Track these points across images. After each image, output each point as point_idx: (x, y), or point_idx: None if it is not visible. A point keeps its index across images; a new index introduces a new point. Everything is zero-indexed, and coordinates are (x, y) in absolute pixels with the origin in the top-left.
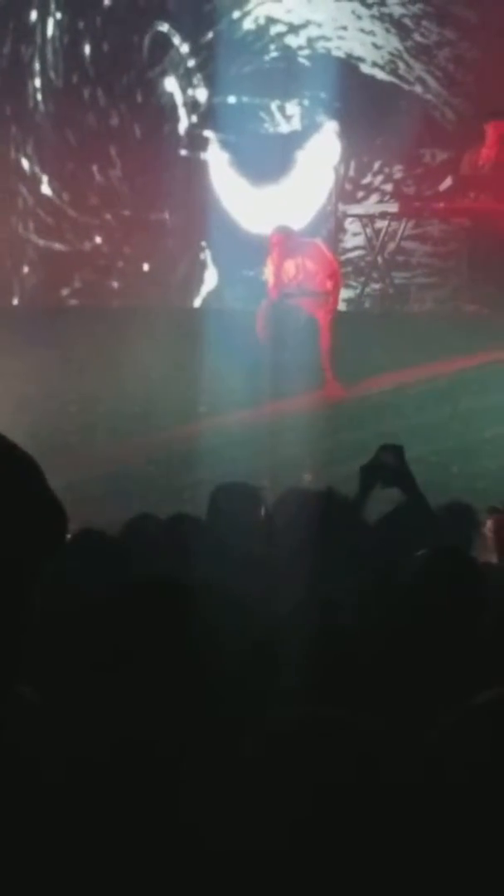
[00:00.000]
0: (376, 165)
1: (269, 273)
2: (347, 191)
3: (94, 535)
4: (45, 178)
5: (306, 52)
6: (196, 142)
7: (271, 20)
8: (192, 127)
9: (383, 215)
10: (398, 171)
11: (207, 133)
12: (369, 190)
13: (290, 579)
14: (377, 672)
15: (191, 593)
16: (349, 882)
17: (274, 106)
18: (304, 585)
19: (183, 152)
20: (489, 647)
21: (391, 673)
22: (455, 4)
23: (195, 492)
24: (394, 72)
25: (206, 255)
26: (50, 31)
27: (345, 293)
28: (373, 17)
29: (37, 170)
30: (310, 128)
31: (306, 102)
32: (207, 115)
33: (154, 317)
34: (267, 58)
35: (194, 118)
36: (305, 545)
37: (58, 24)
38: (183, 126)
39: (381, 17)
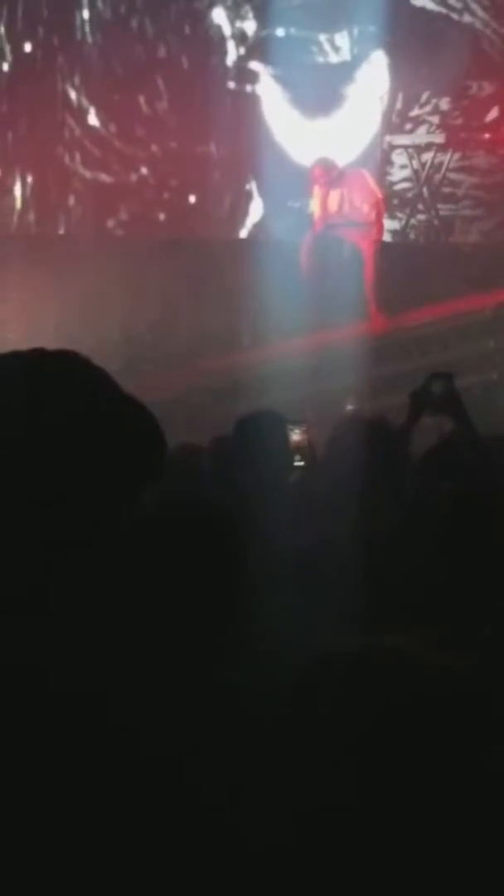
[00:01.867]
0: (424, 97)
1: (314, 204)
2: (395, 123)
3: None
4: (92, 110)
5: None
6: (244, 74)
7: None
8: (240, 59)
9: (430, 146)
10: (445, 103)
11: (255, 65)
12: (416, 122)
13: (330, 511)
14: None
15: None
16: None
17: (323, 38)
18: (344, 517)
19: (231, 85)
20: None
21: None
22: None
23: None
24: (443, 2)
25: (252, 187)
26: None
27: (390, 224)
28: None
29: (84, 101)
30: (359, 59)
31: (355, 34)
32: (256, 48)
33: (200, 248)
34: None
35: (242, 50)
36: (352, 477)
37: None
38: (231, 58)
39: None
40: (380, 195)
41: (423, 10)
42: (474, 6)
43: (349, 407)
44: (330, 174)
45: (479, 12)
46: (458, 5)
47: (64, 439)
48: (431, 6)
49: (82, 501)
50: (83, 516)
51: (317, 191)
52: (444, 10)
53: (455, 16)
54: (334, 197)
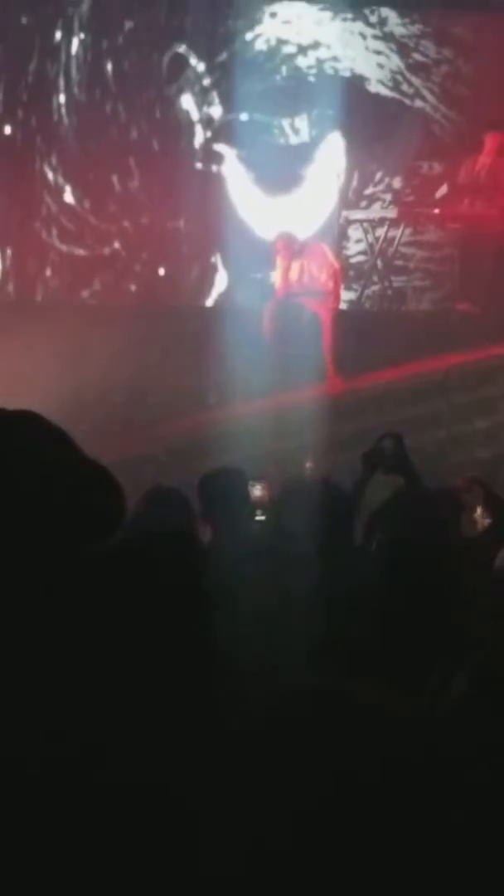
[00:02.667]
0: (378, 175)
1: (275, 275)
2: (351, 199)
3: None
4: (67, 188)
5: (314, 70)
6: (210, 155)
7: (282, 41)
8: (206, 141)
9: (383, 221)
10: (398, 181)
11: (221, 147)
12: (371, 198)
13: (291, 562)
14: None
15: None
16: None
17: (284, 121)
18: (303, 568)
19: (198, 165)
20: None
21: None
22: (452, 25)
23: None
24: (396, 88)
25: (218, 259)
26: (74, 49)
27: (347, 294)
28: (376, 36)
29: (60, 179)
30: (317, 140)
31: (314, 117)
32: (221, 131)
33: (168, 316)
34: (278, 77)
35: (209, 133)
36: (304, 531)
37: (82, 43)
38: (198, 140)
39: (384, 37)
40: (337, 266)
41: (377, 95)
42: (425, 92)
43: (308, 464)
44: (291, 247)
45: (430, 98)
46: (410, 91)
47: (19, 492)
48: (385, 92)
49: (35, 556)
50: (35, 571)
51: (279, 262)
52: (397, 96)
53: (407, 101)
54: (295, 268)
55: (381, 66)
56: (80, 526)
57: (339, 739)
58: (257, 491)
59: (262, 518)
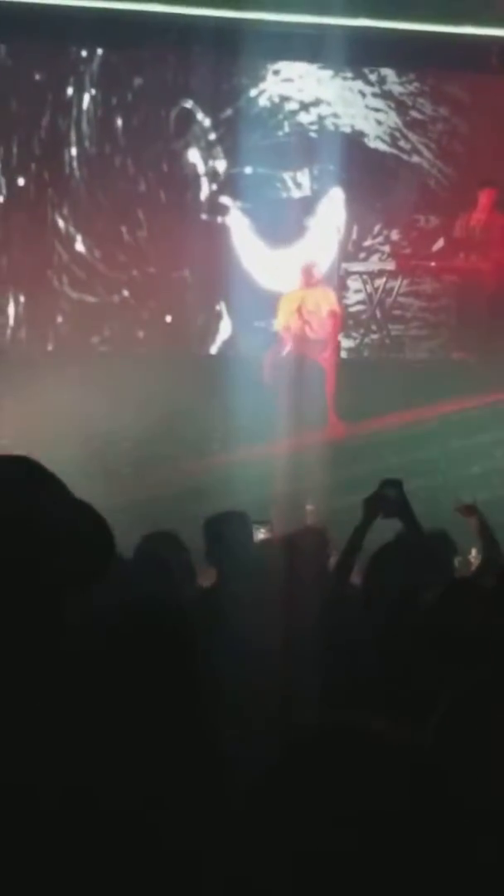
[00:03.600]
0: (376, 228)
1: (279, 316)
2: (350, 251)
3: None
4: (78, 237)
5: (316, 126)
6: (215, 208)
7: (284, 98)
8: (212, 194)
9: (382, 273)
10: (396, 234)
11: (226, 200)
12: (370, 251)
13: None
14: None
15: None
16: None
17: (286, 175)
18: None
19: (203, 217)
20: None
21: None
22: (448, 84)
23: None
24: (394, 144)
25: (222, 308)
26: (85, 104)
27: (346, 342)
28: (375, 94)
29: (71, 229)
30: (318, 194)
31: (315, 172)
32: (226, 184)
33: (174, 363)
34: (280, 132)
35: (214, 186)
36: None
37: (92, 98)
38: (204, 193)
39: (383, 95)
40: (339, 312)
41: (376, 151)
42: (422, 148)
43: (309, 507)
44: (314, 275)
45: (426, 153)
46: (408, 147)
47: (8, 536)
48: (384, 148)
49: (26, 598)
50: (25, 612)
51: (285, 297)
52: (395, 151)
53: (405, 156)
54: (298, 300)
55: (379, 122)
56: (70, 564)
57: (353, 773)
58: (261, 534)
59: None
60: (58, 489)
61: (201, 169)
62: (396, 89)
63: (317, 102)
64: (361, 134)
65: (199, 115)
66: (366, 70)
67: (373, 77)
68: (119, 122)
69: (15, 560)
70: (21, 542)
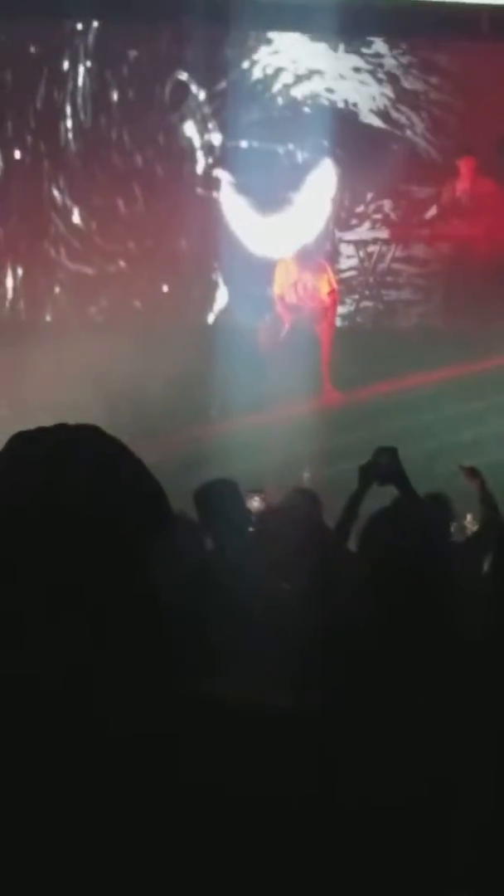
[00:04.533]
0: (369, 197)
1: (274, 291)
2: (343, 218)
3: None
4: (75, 210)
5: (309, 100)
6: (210, 180)
7: (278, 70)
8: (207, 167)
9: (375, 240)
10: (388, 203)
11: (221, 172)
12: (362, 218)
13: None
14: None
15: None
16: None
17: (280, 148)
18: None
19: (199, 189)
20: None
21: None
22: (439, 54)
23: None
24: (386, 115)
25: (218, 277)
26: (80, 78)
27: (340, 310)
28: (367, 67)
29: (68, 202)
30: (311, 165)
31: (308, 144)
32: (221, 157)
33: (171, 333)
34: (274, 105)
35: (210, 159)
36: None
37: (87, 71)
38: (200, 166)
39: (375, 67)
40: (335, 283)
41: (368, 122)
42: (414, 118)
43: (305, 474)
44: (296, 264)
45: (418, 124)
46: (400, 118)
47: (88, 499)
48: (376, 119)
49: (103, 561)
50: (102, 575)
51: (282, 265)
52: (386, 124)
53: (397, 130)
54: (294, 277)
55: (371, 94)
56: (142, 529)
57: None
58: (256, 502)
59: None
60: (128, 452)
61: (197, 142)
62: (388, 61)
63: (309, 75)
64: (354, 105)
65: (194, 88)
66: (358, 42)
67: (365, 49)
68: (114, 94)
69: (98, 516)
70: (97, 499)
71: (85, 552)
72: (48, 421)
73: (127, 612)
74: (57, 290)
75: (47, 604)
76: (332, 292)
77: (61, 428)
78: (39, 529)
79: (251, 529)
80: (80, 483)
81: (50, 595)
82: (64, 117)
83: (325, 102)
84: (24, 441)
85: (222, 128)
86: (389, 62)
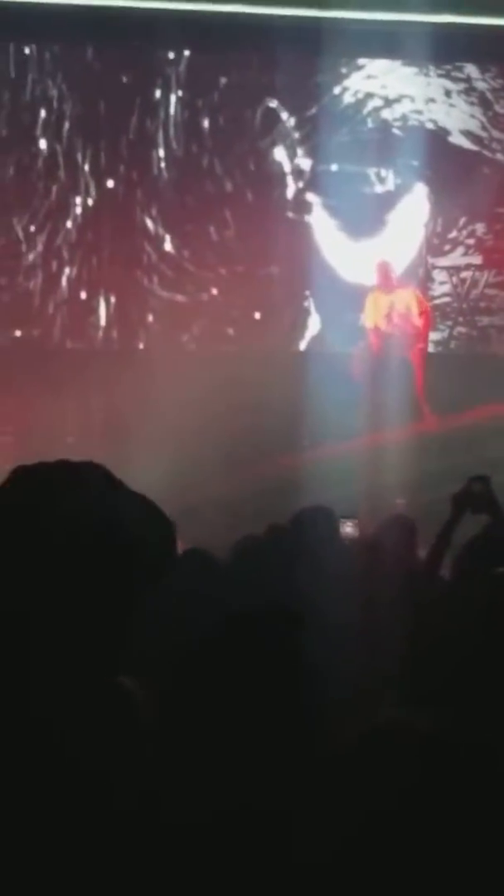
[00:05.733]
0: (461, 222)
1: (366, 318)
2: (435, 244)
3: (199, 555)
4: (167, 237)
5: (399, 123)
6: (301, 205)
7: (368, 95)
8: (297, 192)
9: (467, 266)
10: (480, 227)
11: (311, 197)
12: (455, 243)
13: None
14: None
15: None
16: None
17: (370, 171)
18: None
19: (289, 214)
20: None
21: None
22: None
23: None
24: (476, 139)
25: (310, 304)
26: (172, 106)
27: (433, 336)
28: (459, 91)
29: (160, 230)
30: (402, 190)
31: (399, 168)
32: (311, 181)
33: (264, 359)
34: (364, 129)
35: (300, 184)
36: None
37: (179, 100)
38: (290, 191)
39: (466, 91)
40: (428, 308)
41: (459, 146)
42: None
43: (399, 501)
44: (390, 278)
45: None
46: (491, 141)
47: (78, 541)
48: (467, 143)
49: (94, 602)
50: (95, 617)
51: (371, 297)
52: (477, 146)
53: (487, 152)
54: (386, 306)
55: (462, 118)
56: (134, 574)
57: (399, 772)
58: (349, 528)
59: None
60: (129, 494)
61: (287, 167)
62: (479, 84)
63: (400, 99)
64: (444, 129)
65: (284, 115)
66: (448, 66)
67: (455, 73)
68: (205, 122)
69: (95, 562)
70: (101, 545)
71: (67, 587)
72: (143, 447)
73: (118, 646)
74: (150, 318)
75: (41, 631)
76: (424, 317)
77: (65, 464)
78: (33, 563)
79: (346, 556)
80: (68, 519)
81: (43, 623)
82: (156, 146)
83: (416, 125)
84: (24, 474)
85: (312, 152)
86: (480, 85)
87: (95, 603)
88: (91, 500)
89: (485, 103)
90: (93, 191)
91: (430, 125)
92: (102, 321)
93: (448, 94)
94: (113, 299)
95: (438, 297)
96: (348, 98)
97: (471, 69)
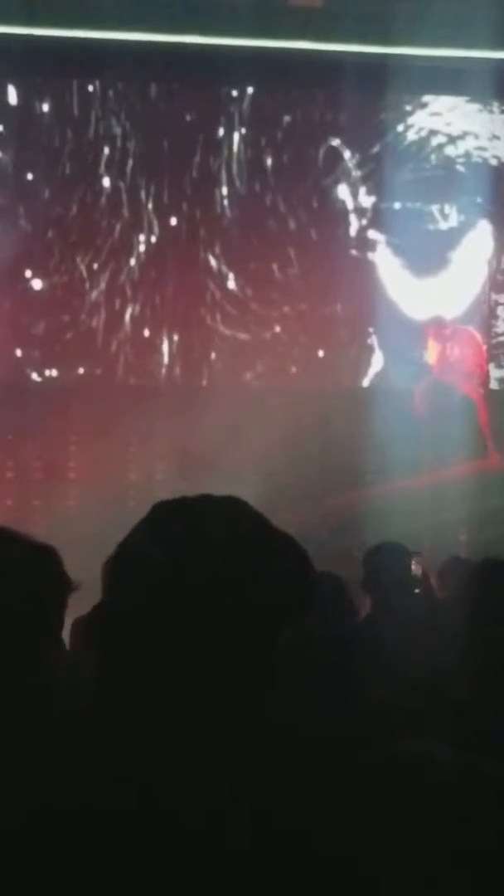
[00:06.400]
0: None
1: (428, 356)
2: (499, 281)
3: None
4: (230, 275)
5: (463, 159)
6: (364, 243)
7: (432, 132)
8: (360, 229)
9: None
10: None
11: (374, 235)
12: None
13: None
14: None
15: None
16: None
17: (434, 208)
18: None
19: (353, 252)
20: None
21: None
22: None
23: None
24: None
25: (374, 341)
26: (235, 144)
27: (497, 373)
28: None
29: (223, 268)
30: (465, 226)
31: (462, 204)
32: (374, 219)
33: (328, 397)
34: (427, 166)
35: (363, 221)
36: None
37: (242, 138)
38: (353, 229)
39: None
40: (484, 348)
41: None
42: None
43: (462, 538)
44: (442, 331)
45: None
46: None
47: (229, 574)
48: None
49: (241, 636)
50: (240, 650)
51: (430, 344)
52: None
53: None
54: (445, 351)
55: None
56: (275, 610)
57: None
58: (413, 565)
59: (418, 591)
60: (267, 525)
61: (350, 205)
62: None
63: (463, 135)
64: None
65: (347, 153)
66: None
67: None
68: (269, 160)
69: (241, 601)
70: (245, 583)
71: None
72: (206, 485)
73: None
74: (213, 355)
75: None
76: (481, 355)
77: (205, 500)
78: (171, 600)
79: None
80: (218, 558)
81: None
82: (219, 184)
83: (479, 162)
84: (166, 511)
85: (376, 190)
86: None
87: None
88: (241, 533)
89: None
90: (156, 228)
91: (493, 161)
92: (165, 359)
93: None
94: (176, 337)
95: (502, 333)
96: (412, 135)
97: None
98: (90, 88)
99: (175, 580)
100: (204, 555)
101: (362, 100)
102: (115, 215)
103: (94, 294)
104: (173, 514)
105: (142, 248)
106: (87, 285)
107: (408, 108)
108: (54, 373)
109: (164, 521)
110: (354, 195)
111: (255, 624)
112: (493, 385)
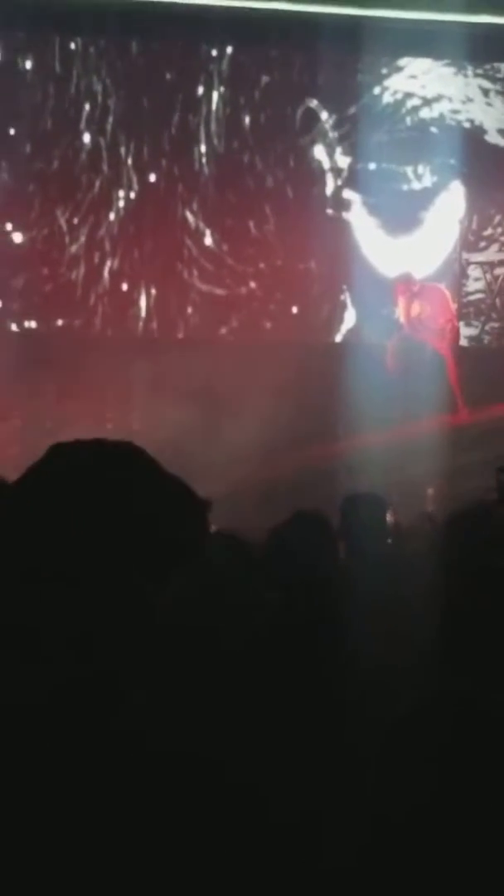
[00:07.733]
0: (496, 219)
1: (399, 312)
2: (470, 241)
3: (228, 537)
4: (207, 232)
5: (437, 122)
6: (340, 202)
7: (407, 94)
8: (336, 189)
9: (501, 262)
10: None
11: (350, 194)
12: (490, 240)
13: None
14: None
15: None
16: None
17: (408, 169)
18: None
19: (328, 211)
20: None
21: None
22: None
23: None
24: None
25: (347, 298)
26: (214, 103)
27: (467, 331)
28: (496, 91)
29: (200, 224)
30: (439, 187)
31: (436, 166)
32: (350, 179)
33: (301, 351)
34: (402, 127)
35: (339, 181)
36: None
37: (221, 97)
38: (329, 188)
39: (503, 91)
40: (453, 307)
41: (496, 146)
42: None
43: (429, 490)
44: (410, 288)
45: None
46: None
47: (115, 515)
48: (502, 141)
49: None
50: (125, 588)
51: (399, 301)
52: None
53: None
54: (414, 307)
55: (499, 117)
56: (167, 547)
57: (468, 743)
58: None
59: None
60: (161, 471)
61: (326, 164)
62: None
63: (438, 98)
64: (481, 128)
65: (324, 113)
66: (486, 66)
67: (493, 72)
68: (247, 119)
69: (118, 535)
70: (125, 518)
71: (108, 566)
72: (181, 436)
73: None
74: (189, 310)
75: (64, 613)
76: (450, 315)
77: (100, 442)
78: (67, 539)
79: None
80: (114, 496)
81: (70, 605)
82: (198, 142)
83: (453, 124)
84: (62, 453)
85: (351, 150)
86: None
87: (118, 575)
88: (124, 476)
89: None
90: (135, 185)
91: (466, 124)
92: (143, 312)
93: (486, 93)
94: (153, 291)
95: (473, 292)
96: (388, 97)
97: None
98: (72, 46)
99: (66, 516)
100: (78, 495)
101: (339, 62)
102: (95, 171)
103: (74, 248)
104: (70, 454)
105: (121, 203)
106: (67, 239)
107: (384, 70)
108: (33, 324)
109: (48, 461)
110: (331, 155)
111: (129, 561)
112: (464, 342)
